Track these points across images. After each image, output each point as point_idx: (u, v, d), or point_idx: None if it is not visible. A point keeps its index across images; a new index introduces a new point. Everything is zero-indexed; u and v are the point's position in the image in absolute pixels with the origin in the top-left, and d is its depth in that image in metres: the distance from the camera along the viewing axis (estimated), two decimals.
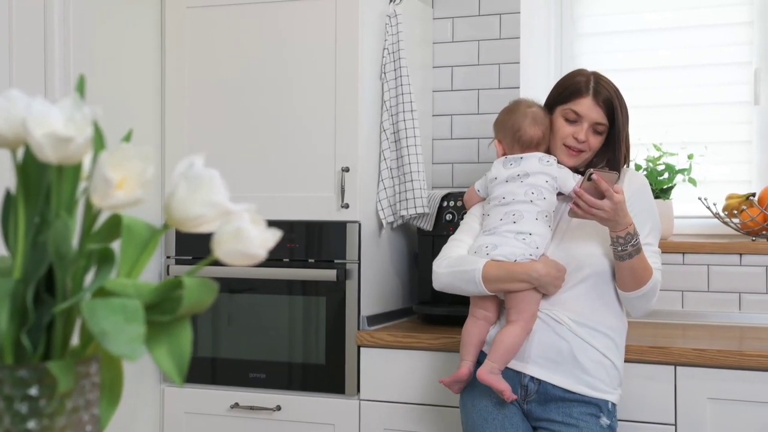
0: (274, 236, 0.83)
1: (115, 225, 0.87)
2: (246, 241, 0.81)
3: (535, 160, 2.30)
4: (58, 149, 0.78)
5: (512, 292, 2.24)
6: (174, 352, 0.81)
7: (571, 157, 2.33)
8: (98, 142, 0.79)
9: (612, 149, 2.34)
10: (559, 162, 2.34)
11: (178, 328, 0.82)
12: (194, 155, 0.86)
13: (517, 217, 2.25)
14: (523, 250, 2.23)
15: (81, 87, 0.83)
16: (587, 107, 2.29)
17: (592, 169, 2.15)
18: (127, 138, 0.91)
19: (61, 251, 0.81)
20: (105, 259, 0.84)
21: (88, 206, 0.81)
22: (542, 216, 2.26)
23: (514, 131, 2.33)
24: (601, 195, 2.12)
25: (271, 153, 2.87)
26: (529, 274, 2.21)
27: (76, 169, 0.83)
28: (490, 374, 2.19)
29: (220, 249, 0.81)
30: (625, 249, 2.17)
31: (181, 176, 0.84)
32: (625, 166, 2.38)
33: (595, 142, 2.33)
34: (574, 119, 2.31)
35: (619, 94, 2.33)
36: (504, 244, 2.24)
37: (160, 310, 0.81)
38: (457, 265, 2.29)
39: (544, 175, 2.28)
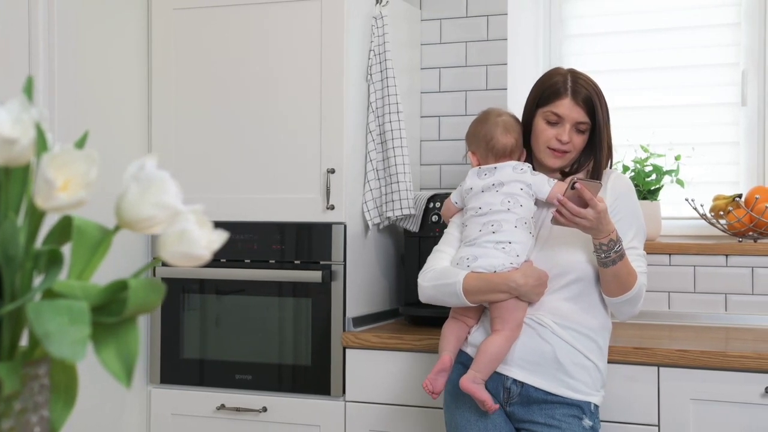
0: (220, 237, 0.83)
1: (66, 227, 0.87)
2: (190, 242, 0.80)
3: (509, 169, 2.29)
4: (3, 151, 0.78)
5: (495, 303, 2.23)
6: (121, 354, 0.81)
7: (556, 159, 2.32)
8: (41, 143, 0.79)
9: (594, 148, 2.33)
10: (542, 165, 2.33)
11: (126, 329, 0.82)
12: (146, 156, 0.86)
13: (496, 227, 2.24)
14: (503, 260, 2.22)
15: (29, 89, 0.83)
16: (567, 108, 2.27)
17: (575, 177, 2.14)
18: (81, 142, 0.91)
19: (9, 253, 0.81)
20: (54, 260, 0.84)
21: (32, 208, 0.81)
22: (521, 223, 2.25)
23: (487, 141, 2.33)
24: (585, 203, 2.11)
25: (257, 154, 2.87)
26: (508, 284, 2.20)
27: (25, 170, 0.83)
28: (472, 383, 2.19)
29: (165, 250, 0.81)
30: (608, 256, 2.16)
31: (131, 177, 0.84)
32: (608, 168, 2.37)
33: (579, 141, 2.31)
34: (556, 121, 2.29)
35: (599, 90, 2.31)
36: (484, 255, 2.23)
37: (107, 312, 0.81)
38: (439, 278, 2.28)
39: (519, 182, 2.27)
